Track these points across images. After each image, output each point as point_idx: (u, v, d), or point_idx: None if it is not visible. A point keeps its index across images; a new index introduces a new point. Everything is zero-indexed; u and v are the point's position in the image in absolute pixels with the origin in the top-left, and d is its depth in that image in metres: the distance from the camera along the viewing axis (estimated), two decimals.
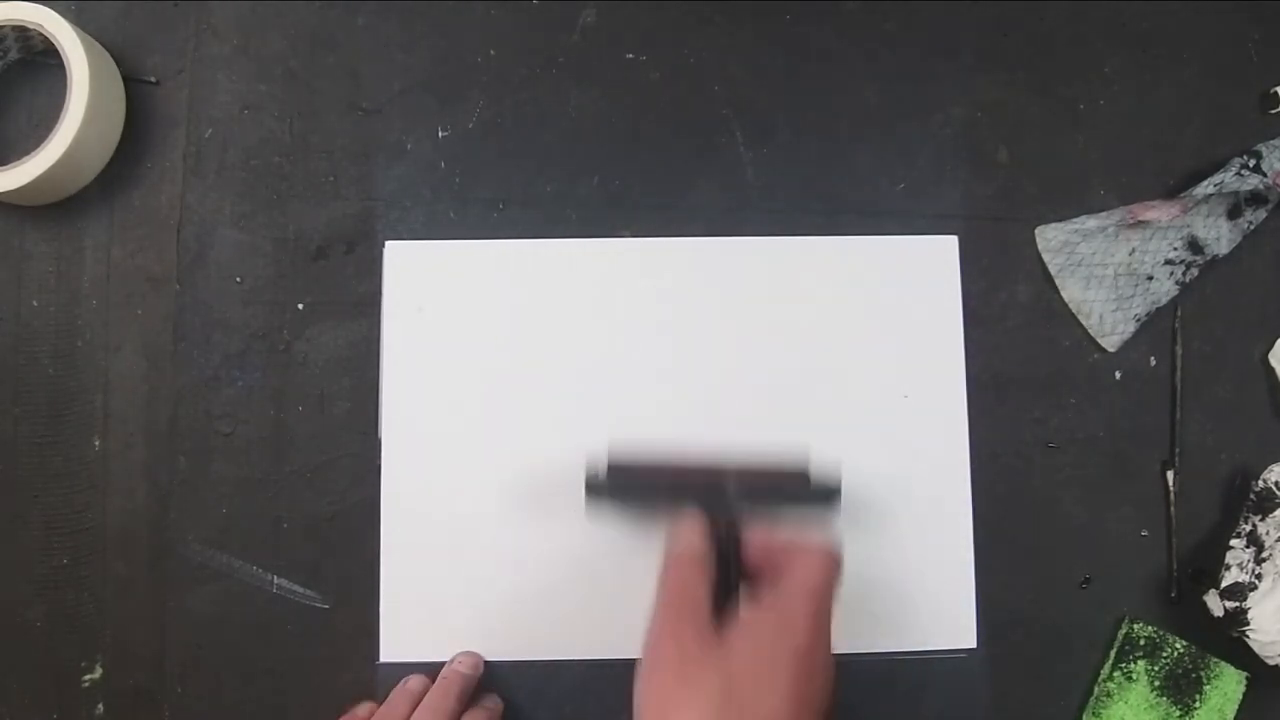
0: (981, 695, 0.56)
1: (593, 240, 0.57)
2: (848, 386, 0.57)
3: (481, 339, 0.57)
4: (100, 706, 0.55)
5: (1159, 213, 0.57)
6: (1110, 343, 0.57)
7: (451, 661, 0.54)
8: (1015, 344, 0.58)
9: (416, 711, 0.51)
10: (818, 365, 0.57)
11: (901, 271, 0.58)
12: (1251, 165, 0.57)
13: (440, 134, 0.58)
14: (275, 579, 0.55)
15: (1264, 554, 0.54)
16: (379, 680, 0.54)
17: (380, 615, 0.55)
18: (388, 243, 0.57)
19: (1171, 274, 0.57)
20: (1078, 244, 0.58)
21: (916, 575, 0.56)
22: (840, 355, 0.57)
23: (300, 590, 0.55)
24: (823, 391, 0.57)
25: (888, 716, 0.55)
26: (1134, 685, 0.55)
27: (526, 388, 0.56)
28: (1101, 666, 0.56)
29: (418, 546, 0.55)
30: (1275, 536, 0.54)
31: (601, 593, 0.55)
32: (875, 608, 0.55)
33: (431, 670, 0.54)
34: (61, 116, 0.54)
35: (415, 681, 0.53)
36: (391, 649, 0.54)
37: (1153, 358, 0.58)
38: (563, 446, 0.56)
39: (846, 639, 0.55)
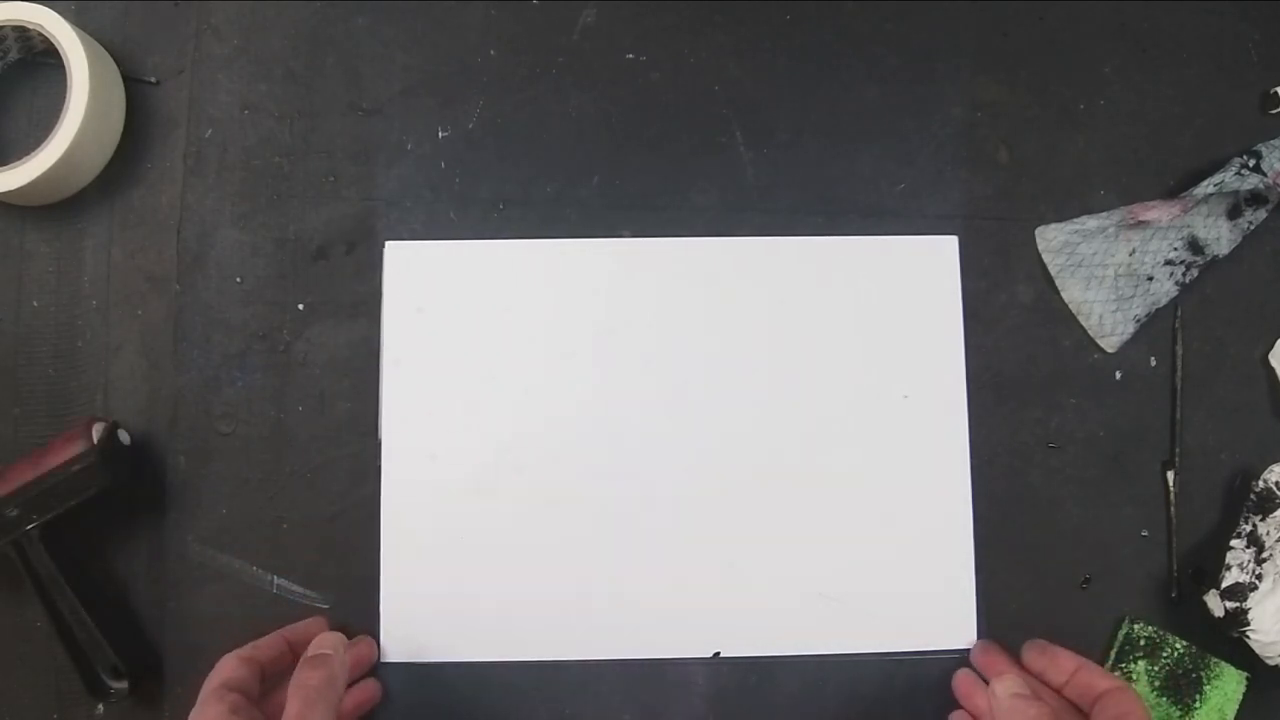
0: None
1: (593, 240, 0.57)
2: (848, 386, 0.57)
3: (481, 339, 0.57)
4: (100, 707, 0.55)
5: (1159, 213, 0.57)
6: (1110, 343, 0.57)
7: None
8: (1015, 344, 0.58)
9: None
10: (818, 365, 0.57)
11: (901, 272, 0.58)
12: (1251, 165, 0.57)
13: (440, 134, 0.58)
14: (275, 579, 0.55)
15: (1264, 554, 0.54)
16: (379, 680, 0.54)
17: (380, 615, 0.55)
18: (388, 243, 0.57)
19: (1171, 274, 0.57)
20: (1078, 244, 0.57)
21: (916, 575, 0.56)
22: (840, 355, 0.57)
23: (300, 590, 0.55)
24: (823, 391, 0.57)
25: (888, 716, 0.55)
26: (1134, 685, 0.55)
27: (526, 388, 0.56)
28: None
29: (418, 546, 0.55)
30: (1275, 536, 0.54)
31: (601, 593, 0.55)
32: (875, 608, 0.55)
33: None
34: (61, 116, 0.54)
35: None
36: (391, 649, 0.54)
37: (1153, 358, 0.58)
38: (563, 446, 0.56)
39: (846, 639, 0.55)
